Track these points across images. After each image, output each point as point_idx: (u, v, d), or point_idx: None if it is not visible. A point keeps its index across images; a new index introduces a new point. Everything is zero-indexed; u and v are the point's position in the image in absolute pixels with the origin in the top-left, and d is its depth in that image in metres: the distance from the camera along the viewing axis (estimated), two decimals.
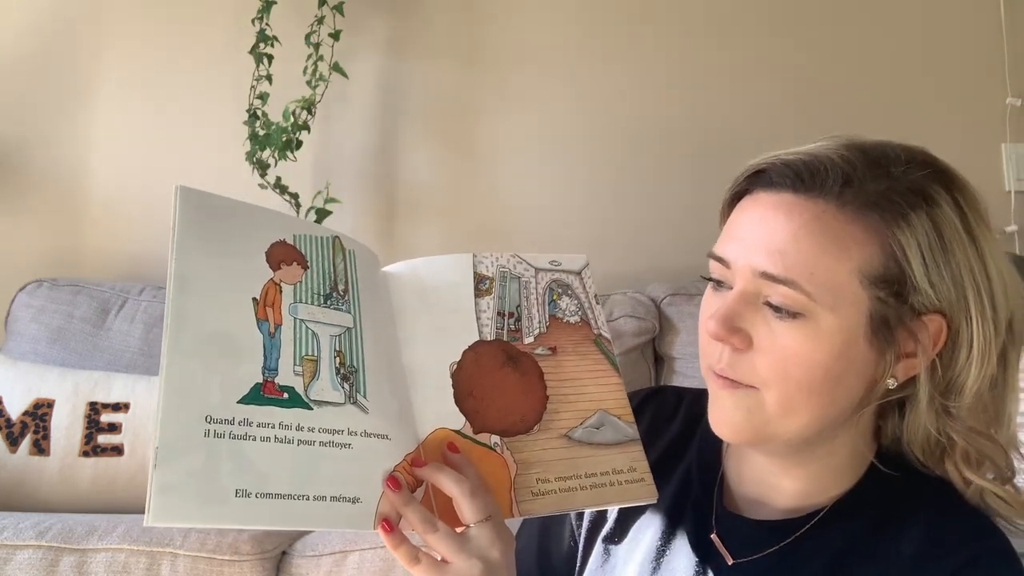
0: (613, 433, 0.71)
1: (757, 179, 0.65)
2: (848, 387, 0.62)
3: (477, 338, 0.72)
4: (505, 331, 0.73)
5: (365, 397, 0.64)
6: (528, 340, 0.74)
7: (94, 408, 1.49)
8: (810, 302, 0.59)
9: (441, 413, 0.68)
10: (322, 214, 1.78)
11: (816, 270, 0.59)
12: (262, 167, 1.76)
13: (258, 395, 0.59)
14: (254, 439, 0.57)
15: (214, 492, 0.54)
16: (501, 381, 0.70)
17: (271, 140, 1.74)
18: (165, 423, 0.54)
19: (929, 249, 0.59)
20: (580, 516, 0.79)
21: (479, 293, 0.74)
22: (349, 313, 0.67)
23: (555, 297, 0.77)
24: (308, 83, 1.76)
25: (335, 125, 1.93)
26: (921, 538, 0.62)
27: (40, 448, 1.46)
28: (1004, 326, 0.61)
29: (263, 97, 1.78)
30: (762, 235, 0.61)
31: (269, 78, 1.78)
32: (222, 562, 1.17)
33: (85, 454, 1.46)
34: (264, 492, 0.56)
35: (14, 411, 1.48)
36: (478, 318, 0.73)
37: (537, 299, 0.76)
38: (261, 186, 1.77)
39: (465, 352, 0.71)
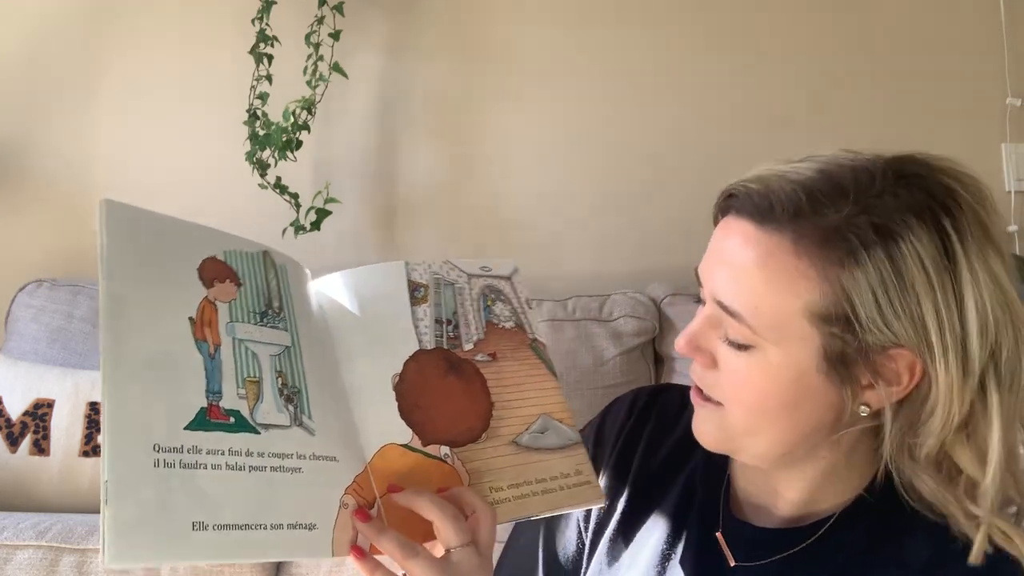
0: (557, 437, 0.71)
1: (731, 200, 0.63)
2: (808, 414, 0.61)
3: (417, 348, 0.69)
4: (444, 339, 0.71)
5: (310, 418, 0.61)
6: (467, 347, 0.72)
7: (94, 408, 1.49)
8: (755, 336, 0.59)
9: (387, 429, 0.65)
10: (322, 214, 1.78)
11: (761, 306, 0.59)
12: (262, 167, 1.76)
13: (204, 420, 0.55)
14: (205, 467, 0.54)
15: (171, 528, 0.51)
16: (446, 390, 0.69)
17: (271, 140, 1.74)
18: (113, 455, 0.50)
19: (883, 288, 0.56)
20: (587, 517, 0.79)
21: (415, 301, 0.72)
22: (286, 331, 0.63)
23: (489, 303, 0.75)
24: (308, 83, 1.76)
25: (335, 125, 1.93)
26: (926, 548, 0.61)
27: (40, 448, 1.46)
28: (980, 366, 0.57)
29: (263, 97, 1.78)
30: (722, 263, 0.62)
31: (269, 78, 1.78)
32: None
33: (85, 454, 1.47)
34: (221, 524, 0.53)
35: (14, 411, 1.48)
36: (416, 327, 0.70)
37: (472, 305, 0.74)
38: (261, 186, 1.77)
39: (407, 363, 0.68)
